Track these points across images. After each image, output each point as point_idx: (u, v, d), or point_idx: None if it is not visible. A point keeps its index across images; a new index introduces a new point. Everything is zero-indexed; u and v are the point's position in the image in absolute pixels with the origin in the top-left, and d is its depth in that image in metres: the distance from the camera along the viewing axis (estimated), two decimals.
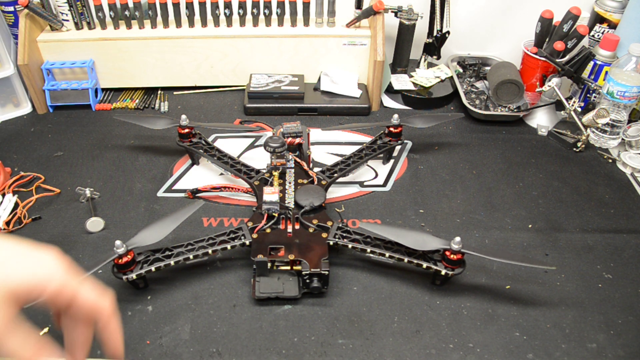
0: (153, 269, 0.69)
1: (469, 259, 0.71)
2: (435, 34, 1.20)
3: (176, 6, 1.10)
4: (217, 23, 1.14)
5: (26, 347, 0.34)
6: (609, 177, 0.98)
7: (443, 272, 0.71)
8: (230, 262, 0.78)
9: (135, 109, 1.14)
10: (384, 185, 0.95)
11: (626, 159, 1.00)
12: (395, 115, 0.95)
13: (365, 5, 1.15)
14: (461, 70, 1.25)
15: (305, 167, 0.88)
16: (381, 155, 0.98)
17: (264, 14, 1.13)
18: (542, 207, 0.90)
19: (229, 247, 0.73)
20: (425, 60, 1.26)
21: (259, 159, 0.99)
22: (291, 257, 0.70)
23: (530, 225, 0.87)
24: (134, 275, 0.68)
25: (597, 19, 1.14)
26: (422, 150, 1.04)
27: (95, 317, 0.38)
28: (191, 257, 0.71)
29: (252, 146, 1.04)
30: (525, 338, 0.68)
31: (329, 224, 0.77)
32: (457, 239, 0.69)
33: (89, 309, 0.38)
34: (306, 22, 1.15)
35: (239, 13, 1.13)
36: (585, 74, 1.09)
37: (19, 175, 0.93)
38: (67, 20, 1.12)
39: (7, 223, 0.83)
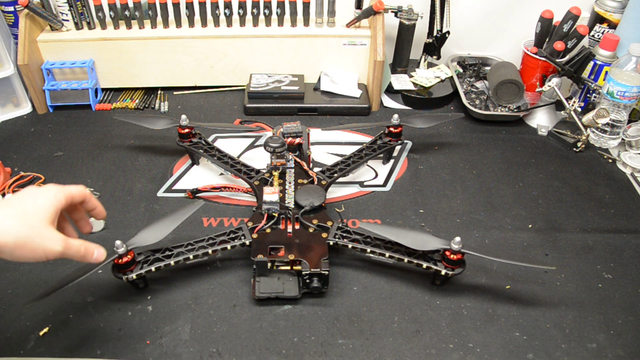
0: (153, 269, 0.69)
1: (469, 259, 0.71)
2: (435, 34, 1.20)
3: (176, 6, 1.10)
4: (217, 23, 1.14)
5: (80, 248, 0.55)
6: (609, 177, 0.98)
7: (443, 272, 0.71)
8: (230, 262, 0.78)
9: (135, 109, 1.14)
10: (384, 185, 0.95)
11: (626, 159, 1.00)
12: (395, 115, 0.95)
13: (365, 5, 1.15)
14: (461, 70, 1.25)
15: (305, 167, 0.88)
16: (381, 155, 0.98)
17: (264, 14, 1.13)
18: (542, 207, 0.90)
19: (229, 247, 0.73)
20: (425, 60, 1.26)
21: (259, 159, 0.99)
22: (291, 257, 0.70)
23: (530, 225, 0.87)
24: (134, 275, 0.68)
25: (597, 19, 1.14)
26: (422, 150, 1.04)
27: (84, 200, 0.60)
28: (191, 257, 0.71)
29: (252, 146, 1.04)
30: (525, 338, 0.68)
31: (329, 224, 0.77)
32: (457, 239, 0.69)
33: (80, 197, 0.59)
34: (306, 22, 1.15)
35: (239, 13, 1.13)
36: (585, 74, 1.09)
37: (19, 175, 0.93)
38: (67, 20, 1.12)
39: None
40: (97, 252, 0.58)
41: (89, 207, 0.61)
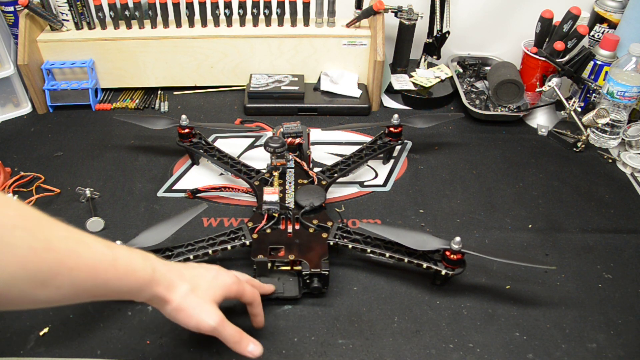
0: None
1: (469, 259, 0.71)
2: (435, 34, 1.20)
3: (176, 6, 1.10)
4: (217, 23, 1.14)
5: (236, 334, 0.57)
6: (609, 177, 0.98)
7: (443, 272, 0.71)
8: (230, 262, 0.78)
9: (135, 109, 1.14)
10: (384, 185, 0.95)
11: (626, 159, 1.00)
12: (395, 115, 0.95)
13: (365, 5, 1.15)
14: (461, 70, 1.25)
15: (305, 167, 0.88)
16: (381, 155, 0.98)
17: (264, 14, 1.13)
18: (542, 207, 0.90)
19: (229, 247, 0.73)
20: (425, 60, 1.26)
21: (259, 159, 0.99)
22: (291, 257, 0.70)
23: (530, 225, 0.87)
24: None
25: (597, 19, 1.14)
26: (422, 150, 1.04)
27: (251, 303, 0.63)
28: (191, 257, 0.71)
29: (252, 146, 1.05)
30: (525, 338, 0.68)
31: (329, 224, 0.77)
32: (457, 239, 0.69)
33: (248, 299, 0.62)
34: (306, 22, 1.15)
35: (239, 13, 1.13)
36: (585, 74, 1.09)
37: (19, 175, 0.93)
38: (67, 20, 1.12)
39: None
40: (253, 347, 0.58)
41: (252, 312, 0.64)
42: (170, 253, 0.71)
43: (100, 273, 0.47)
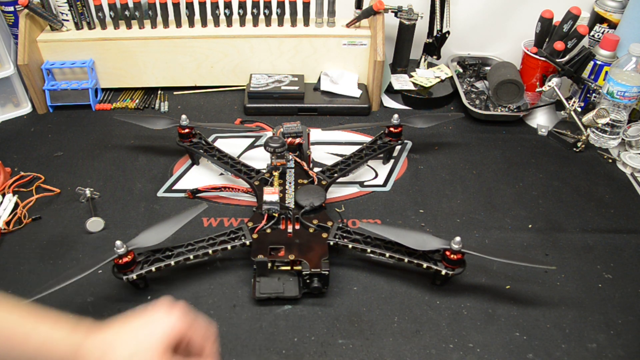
0: (153, 269, 0.69)
1: (469, 259, 0.71)
2: (435, 34, 1.20)
3: (176, 6, 1.10)
4: (217, 23, 1.14)
5: None
6: (609, 177, 0.98)
7: (443, 272, 0.71)
8: (230, 262, 0.78)
9: (135, 109, 1.14)
10: (384, 185, 0.95)
11: (626, 159, 1.00)
12: (395, 115, 0.95)
13: (365, 5, 1.15)
14: (461, 70, 1.25)
15: (305, 167, 0.88)
16: (381, 155, 0.98)
17: (264, 14, 1.13)
18: (542, 207, 0.90)
19: (229, 247, 0.73)
20: (425, 60, 1.26)
21: (259, 159, 0.99)
22: (291, 257, 0.70)
23: (530, 225, 0.87)
24: (134, 276, 0.68)
25: (597, 19, 1.14)
26: (422, 150, 1.04)
27: (202, 346, 0.51)
28: (191, 257, 0.71)
29: (252, 146, 1.05)
30: (525, 338, 0.68)
31: (329, 224, 0.77)
32: (457, 239, 0.69)
33: (203, 334, 0.51)
34: (306, 22, 1.15)
35: (239, 13, 1.13)
36: (585, 74, 1.09)
37: (19, 175, 0.93)
38: (67, 20, 1.12)
39: (7, 223, 0.83)
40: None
41: (205, 355, 0.53)
42: (170, 253, 0.71)
43: (8, 349, 0.44)
